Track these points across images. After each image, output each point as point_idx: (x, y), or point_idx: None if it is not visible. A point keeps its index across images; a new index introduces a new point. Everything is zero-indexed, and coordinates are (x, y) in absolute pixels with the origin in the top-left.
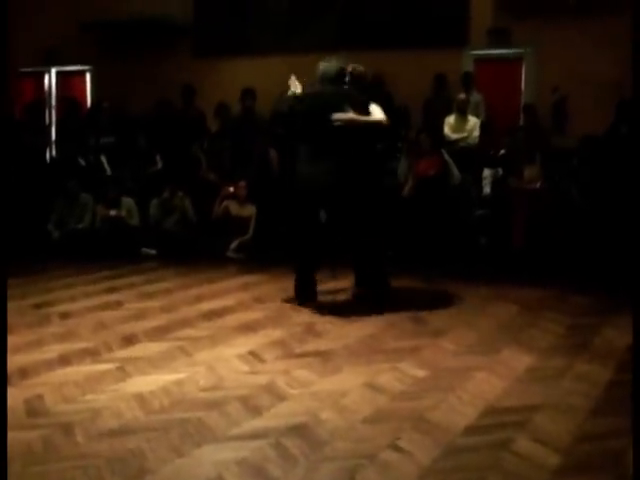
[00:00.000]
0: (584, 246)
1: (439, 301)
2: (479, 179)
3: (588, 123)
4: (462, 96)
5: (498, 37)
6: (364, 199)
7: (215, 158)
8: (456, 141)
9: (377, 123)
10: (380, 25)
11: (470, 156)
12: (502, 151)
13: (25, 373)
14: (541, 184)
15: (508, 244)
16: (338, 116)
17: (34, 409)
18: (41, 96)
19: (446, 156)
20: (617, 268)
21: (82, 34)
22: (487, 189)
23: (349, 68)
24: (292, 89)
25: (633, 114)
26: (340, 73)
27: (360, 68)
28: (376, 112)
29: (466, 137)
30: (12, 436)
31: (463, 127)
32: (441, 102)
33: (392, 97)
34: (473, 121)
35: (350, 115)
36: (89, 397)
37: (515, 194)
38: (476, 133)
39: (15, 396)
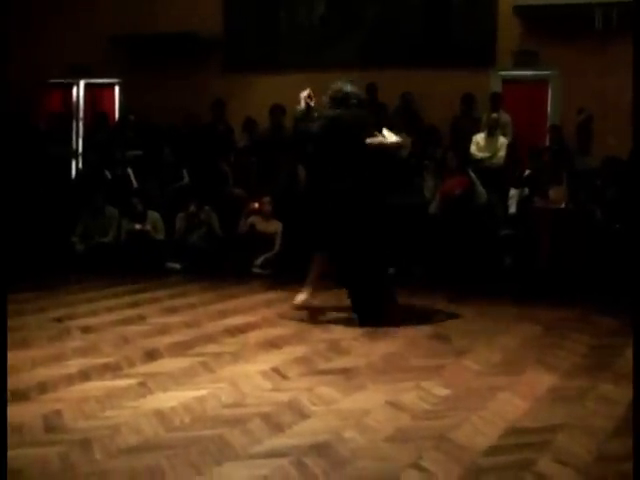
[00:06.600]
0: (608, 267)
1: (463, 320)
2: (505, 198)
3: (612, 145)
4: (494, 115)
5: (525, 59)
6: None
7: (242, 173)
8: (481, 160)
9: (399, 145)
10: (409, 44)
11: (495, 175)
12: (527, 171)
13: (44, 388)
14: (566, 204)
15: (533, 264)
16: (371, 140)
17: (52, 425)
18: (68, 108)
19: (472, 175)
20: None
21: (112, 47)
22: (513, 209)
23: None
24: (302, 104)
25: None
26: (359, 97)
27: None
28: (390, 135)
29: (491, 157)
30: (29, 452)
31: (491, 147)
32: (468, 122)
33: (419, 116)
34: (501, 141)
35: (380, 139)
36: (109, 413)
37: (540, 214)
38: (502, 153)
39: (33, 411)
